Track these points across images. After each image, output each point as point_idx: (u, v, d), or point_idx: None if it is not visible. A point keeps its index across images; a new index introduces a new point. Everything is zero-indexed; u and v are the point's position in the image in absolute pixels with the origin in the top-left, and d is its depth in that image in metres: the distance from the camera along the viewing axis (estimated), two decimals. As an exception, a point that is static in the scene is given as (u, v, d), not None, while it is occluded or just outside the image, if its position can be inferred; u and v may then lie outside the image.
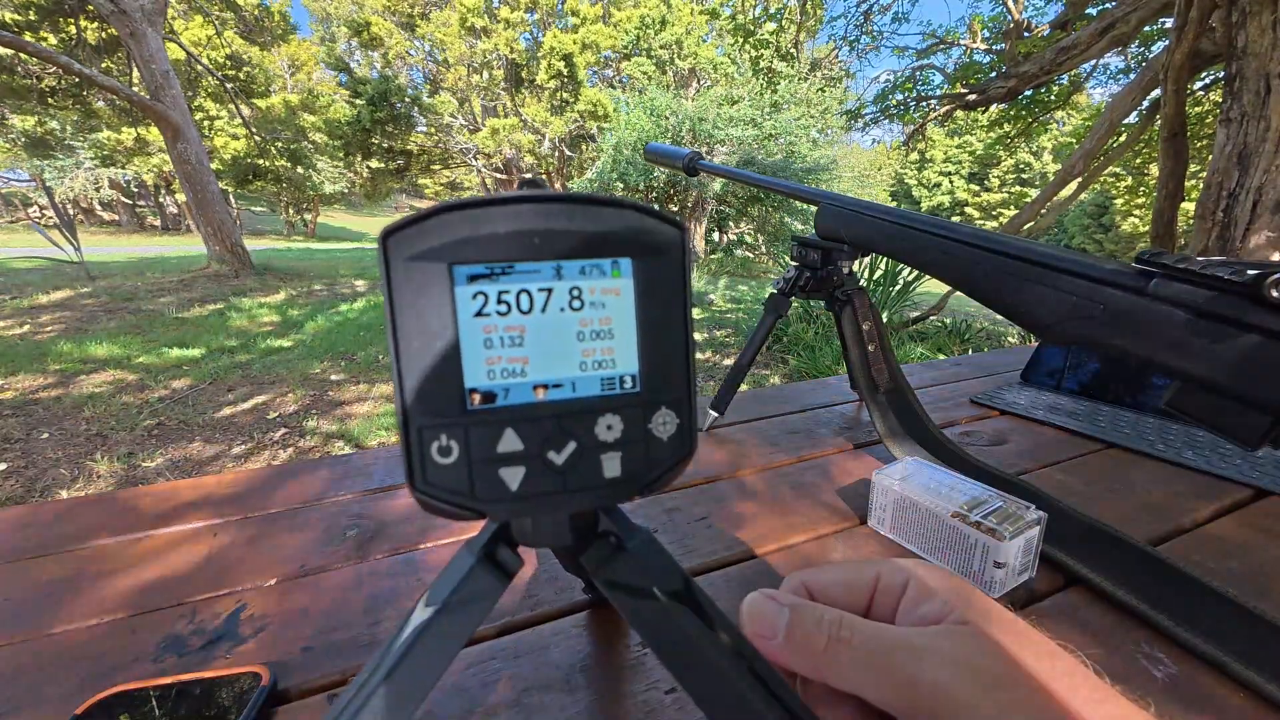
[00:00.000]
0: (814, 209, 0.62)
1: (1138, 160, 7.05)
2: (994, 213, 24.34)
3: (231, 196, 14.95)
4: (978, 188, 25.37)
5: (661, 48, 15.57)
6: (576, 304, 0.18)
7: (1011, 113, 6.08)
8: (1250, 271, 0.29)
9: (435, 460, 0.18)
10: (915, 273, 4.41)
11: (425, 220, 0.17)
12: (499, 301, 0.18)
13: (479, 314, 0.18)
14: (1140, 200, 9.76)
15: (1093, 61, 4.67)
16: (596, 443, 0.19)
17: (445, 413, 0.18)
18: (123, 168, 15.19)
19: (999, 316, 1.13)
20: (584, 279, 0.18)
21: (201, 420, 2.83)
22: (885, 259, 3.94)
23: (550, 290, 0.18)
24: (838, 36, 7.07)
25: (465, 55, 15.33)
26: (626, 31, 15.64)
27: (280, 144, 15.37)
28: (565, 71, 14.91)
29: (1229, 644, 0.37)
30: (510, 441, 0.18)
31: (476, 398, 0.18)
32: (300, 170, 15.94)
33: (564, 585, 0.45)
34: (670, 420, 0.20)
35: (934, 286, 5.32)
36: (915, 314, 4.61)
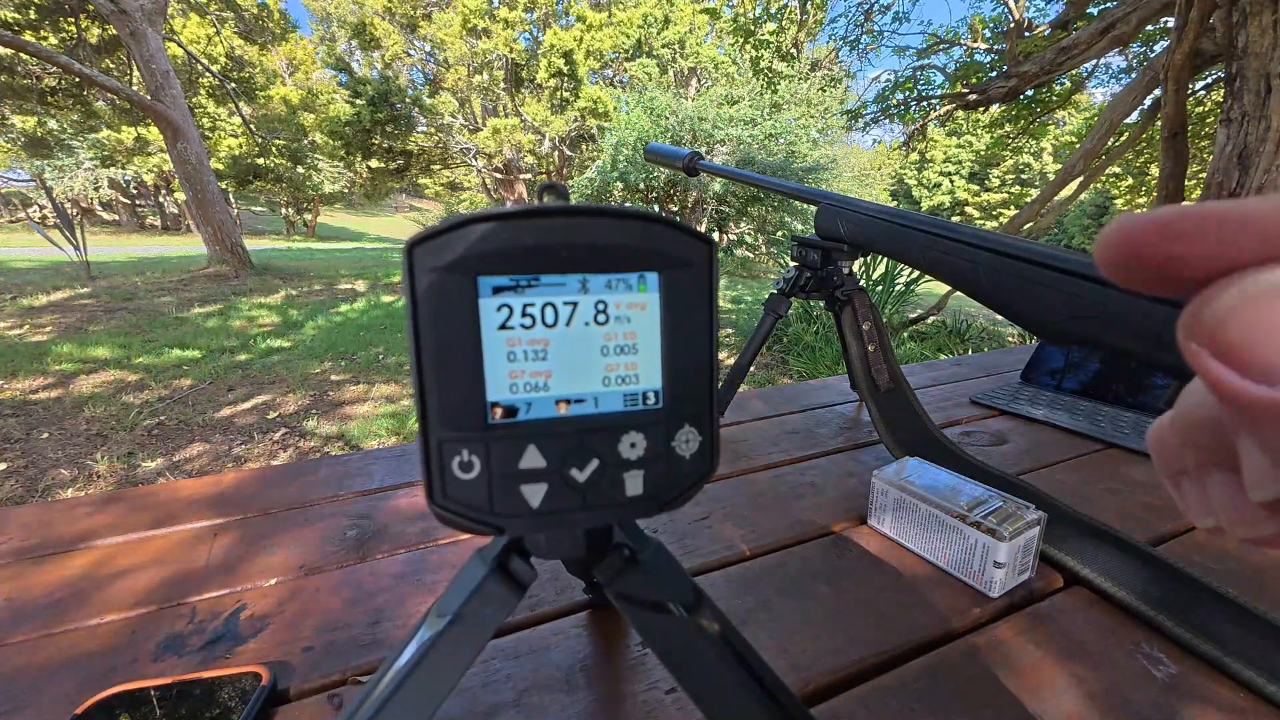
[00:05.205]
0: (814, 209, 0.62)
1: (1138, 160, 7.05)
2: (994, 213, 24.32)
3: (231, 196, 14.93)
4: (978, 188, 25.34)
5: (664, 47, 15.54)
6: (601, 318, 0.18)
7: (1012, 113, 6.07)
8: None
9: (456, 475, 0.18)
10: (915, 273, 4.40)
11: (452, 231, 0.17)
12: (523, 314, 0.17)
13: (503, 326, 0.17)
14: (1140, 200, 9.74)
15: (1093, 61, 4.67)
16: (619, 460, 0.19)
17: (466, 426, 0.18)
18: (123, 168, 15.16)
19: (999, 316, 1.12)
20: (610, 293, 0.18)
21: (202, 420, 2.82)
22: (885, 259, 3.94)
23: (575, 304, 0.18)
24: (838, 36, 7.06)
25: (466, 56, 15.30)
26: (628, 34, 15.62)
27: (280, 143, 15.36)
28: (565, 70, 14.87)
29: (1229, 644, 0.37)
30: (533, 458, 0.18)
31: (498, 412, 0.18)
32: (301, 170, 15.93)
33: (564, 585, 0.45)
34: (693, 438, 0.20)
35: (934, 286, 5.30)
36: (915, 314, 4.61)
